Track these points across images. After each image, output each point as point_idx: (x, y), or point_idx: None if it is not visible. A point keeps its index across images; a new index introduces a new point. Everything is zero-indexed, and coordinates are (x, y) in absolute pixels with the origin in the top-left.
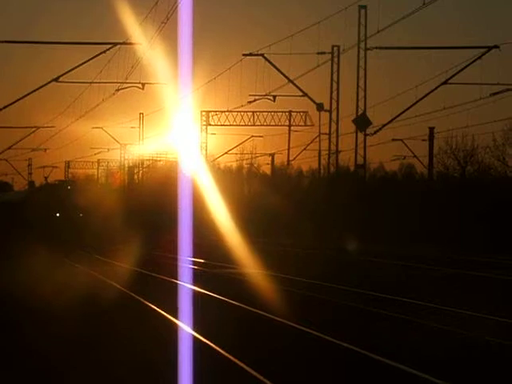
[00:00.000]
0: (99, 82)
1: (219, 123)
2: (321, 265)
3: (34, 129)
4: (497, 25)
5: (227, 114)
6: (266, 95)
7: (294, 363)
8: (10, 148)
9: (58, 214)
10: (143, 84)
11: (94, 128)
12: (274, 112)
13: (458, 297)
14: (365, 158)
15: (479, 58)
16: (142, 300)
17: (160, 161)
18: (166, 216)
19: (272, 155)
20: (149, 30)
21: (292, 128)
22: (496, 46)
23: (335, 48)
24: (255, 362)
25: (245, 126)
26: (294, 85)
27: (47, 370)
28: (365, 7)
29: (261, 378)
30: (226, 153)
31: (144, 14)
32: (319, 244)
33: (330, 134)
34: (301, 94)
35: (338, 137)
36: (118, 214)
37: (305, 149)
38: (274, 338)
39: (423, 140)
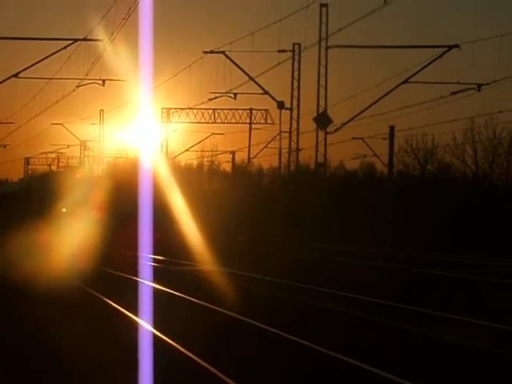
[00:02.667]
0: (59, 78)
1: (180, 120)
2: (276, 262)
3: None
4: (457, 24)
5: (188, 111)
6: (226, 93)
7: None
8: None
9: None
10: (104, 81)
11: (53, 124)
12: (235, 110)
13: (400, 292)
14: (325, 156)
15: (439, 57)
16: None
17: (120, 158)
18: (126, 213)
19: (232, 153)
20: (110, 26)
21: (253, 126)
22: (456, 46)
23: (296, 46)
24: (203, 352)
25: (205, 123)
26: (255, 82)
27: None
28: (326, 5)
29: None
30: (186, 150)
31: (105, 10)
32: (278, 241)
33: (290, 132)
34: (262, 91)
35: (298, 135)
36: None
37: (265, 147)
38: (217, 327)
39: (383, 139)
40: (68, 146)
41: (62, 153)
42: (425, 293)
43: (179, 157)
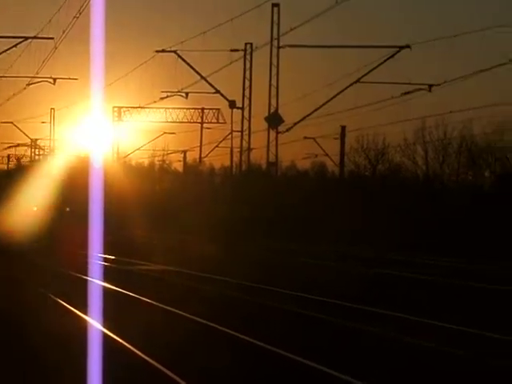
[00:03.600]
0: (9, 77)
1: (131, 119)
2: (227, 262)
3: None
4: (408, 25)
5: (139, 110)
6: (178, 92)
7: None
8: None
9: None
10: (54, 79)
11: (3, 123)
12: (187, 109)
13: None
14: (276, 155)
15: (391, 57)
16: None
17: (71, 156)
18: (76, 212)
19: (184, 152)
20: (61, 24)
21: (204, 125)
22: (407, 46)
23: (248, 45)
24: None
25: (157, 122)
26: (207, 82)
27: None
28: (278, 5)
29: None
30: (137, 149)
31: (56, 8)
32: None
33: (242, 131)
34: (213, 91)
35: (250, 134)
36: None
37: (217, 146)
38: (161, 323)
39: (335, 138)
40: (18, 145)
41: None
42: (380, 292)
43: (130, 156)
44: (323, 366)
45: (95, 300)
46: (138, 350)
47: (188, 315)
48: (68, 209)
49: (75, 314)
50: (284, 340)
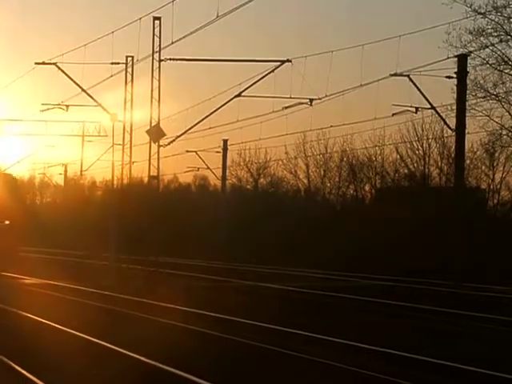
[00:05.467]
0: None
1: (11, 132)
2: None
3: None
4: (289, 39)
5: (19, 122)
6: (59, 105)
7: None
8: None
9: None
10: None
11: None
12: (68, 122)
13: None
14: (158, 169)
15: (272, 71)
16: None
17: None
18: None
19: (65, 165)
20: None
21: (85, 138)
22: (288, 60)
23: (129, 58)
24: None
25: (37, 135)
26: (88, 95)
27: None
28: (159, 18)
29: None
30: (17, 162)
31: None
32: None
33: (123, 144)
34: (94, 104)
35: (131, 148)
36: None
37: (98, 159)
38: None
39: (217, 152)
40: None
41: None
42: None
43: (10, 169)
44: None
45: None
46: None
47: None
48: None
49: None
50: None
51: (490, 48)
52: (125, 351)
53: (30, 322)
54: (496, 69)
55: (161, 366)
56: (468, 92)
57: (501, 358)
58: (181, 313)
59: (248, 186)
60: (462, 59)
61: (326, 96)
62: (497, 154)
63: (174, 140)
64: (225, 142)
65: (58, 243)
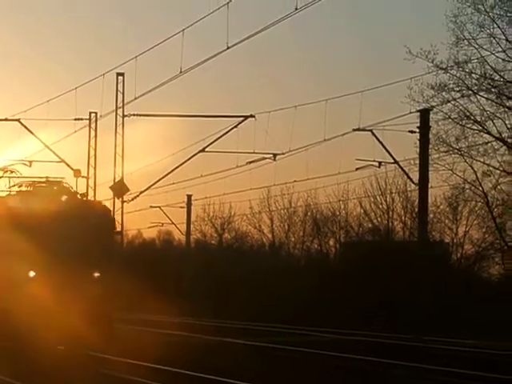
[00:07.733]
0: None
1: None
2: None
3: None
4: (252, 95)
5: None
6: (22, 160)
7: None
8: None
9: None
10: None
11: None
12: (31, 178)
13: None
14: (122, 224)
15: (235, 126)
16: None
17: None
18: None
19: None
20: None
21: None
22: (252, 116)
23: (93, 114)
24: None
25: (0, 191)
26: (51, 150)
27: None
28: (122, 74)
29: None
30: None
31: None
32: None
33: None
34: (58, 159)
35: None
36: None
37: None
38: None
39: (181, 207)
40: None
41: None
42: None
43: None
44: None
45: None
46: None
47: None
48: None
49: None
50: None
51: (452, 103)
52: None
53: None
54: (458, 123)
55: None
56: (431, 146)
57: None
58: None
59: (212, 241)
60: (425, 114)
61: (290, 151)
62: (460, 208)
63: (137, 195)
64: (189, 197)
65: None
